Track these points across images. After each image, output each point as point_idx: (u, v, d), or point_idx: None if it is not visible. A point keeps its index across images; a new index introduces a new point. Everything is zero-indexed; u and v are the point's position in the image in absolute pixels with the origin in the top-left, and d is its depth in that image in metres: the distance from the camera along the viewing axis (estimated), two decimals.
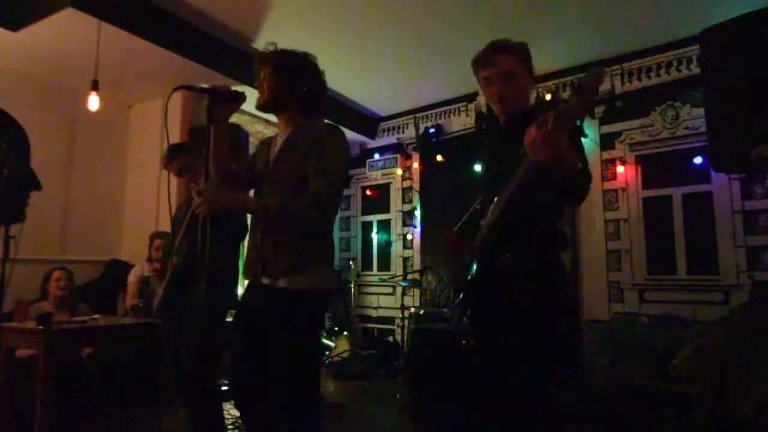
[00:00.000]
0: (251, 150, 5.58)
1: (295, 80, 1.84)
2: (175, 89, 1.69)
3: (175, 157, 2.75)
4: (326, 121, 1.92)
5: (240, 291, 2.77)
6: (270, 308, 1.75)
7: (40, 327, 2.58)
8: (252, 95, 1.87)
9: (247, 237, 1.94)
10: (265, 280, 1.78)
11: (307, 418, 1.72)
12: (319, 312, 1.87)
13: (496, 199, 1.64)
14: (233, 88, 1.77)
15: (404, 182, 6.24)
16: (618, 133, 4.65)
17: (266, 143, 2.02)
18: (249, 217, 2.12)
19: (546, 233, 1.67)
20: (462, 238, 1.88)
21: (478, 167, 2.11)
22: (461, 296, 1.78)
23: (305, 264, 1.75)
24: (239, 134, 4.87)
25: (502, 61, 1.73)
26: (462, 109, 5.67)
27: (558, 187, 1.51)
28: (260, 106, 1.89)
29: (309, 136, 1.81)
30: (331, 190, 1.74)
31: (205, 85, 1.71)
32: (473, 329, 1.90)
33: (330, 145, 1.78)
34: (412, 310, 4.65)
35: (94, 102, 3.55)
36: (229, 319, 2.94)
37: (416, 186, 6.09)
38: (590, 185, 1.54)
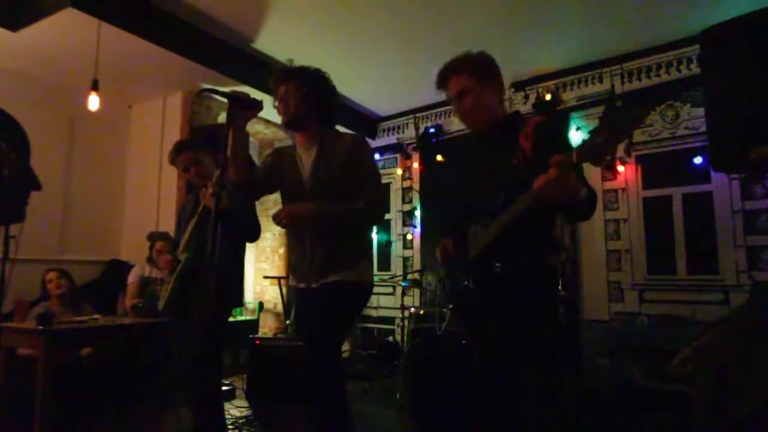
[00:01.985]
0: (251, 149, 5.58)
1: (319, 97, 1.96)
2: (200, 92, 1.83)
3: (181, 153, 2.76)
4: (344, 129, 2.04)
5: (244, 290, 2.79)
6: (317, 300, 1.87)
7: (40, 327, 2.58)
8: (253, 95, 1.88)
9: (291, 243, 2.04)
10: (315, 284, 1.90)
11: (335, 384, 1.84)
12: (361, 301, 2.00)
13: (496, 218, 1.66)
14: (236, 88, 1.81)
15: (404, 182, 6.24)
16: None
17: (284, 155, 2.08)
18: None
19: (540, 242, 1.70)
20: (454, 246, 1.93)
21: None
22: (455, 303, 1.83)
23: (352, 260, 1.89)
24: None
25: (451, 83, 1.84)
26: None
27: (563, 212, 1.60)
28: (287, 123, 1.97)
29: (340, 148, 1.93)
30: (381, 197, 2.02)
31: (226, 90, 1.79)
32: (466, 334, 1.97)
33: (365, 156, 1.96)
34: (412, 310, 4.65)
35: (94, 102, 3.55)
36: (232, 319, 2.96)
37: (416, 186, 6.09)
38: (596, 206, 1.58)
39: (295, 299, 2.06)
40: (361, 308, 2.09)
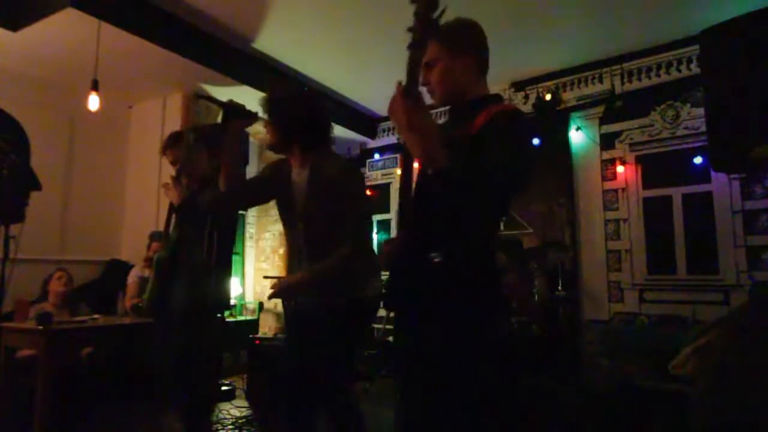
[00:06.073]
0: (251, 149, 5.58)
1: (292, 125, 1.92)
2: (199, 97, 1.84)
3: (173, 146, 2.73)
4: (345, 130, 2.05)
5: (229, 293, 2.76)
6: (321, 321, 1.90)
7: (40, 327, 2.58)
8: (248, 98, 1.89)
9: (290, 262, 2.08)
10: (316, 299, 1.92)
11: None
12: (364, 319, 2.05)
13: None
14: (228, 89, 1.82)
15: None
16: (618, 133, 4.65)
17: (281, 172, 2.06)
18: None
19: (479, 237, 1.47)
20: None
21: None
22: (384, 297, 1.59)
23: (357, 279, 1.93)
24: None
25: (427, 52, 1.60)
26: None
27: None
28: (270, 148, 2.04)
29: (328, 176, 1.90)
30: (362, 236, 1.94)
31: (223, 100, 1.85)
32: (397, 331, 1.70)
33: (353, 187, 1.95)
34: None
35: (94, 102, 3.55)
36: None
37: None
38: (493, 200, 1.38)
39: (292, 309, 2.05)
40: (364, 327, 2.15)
